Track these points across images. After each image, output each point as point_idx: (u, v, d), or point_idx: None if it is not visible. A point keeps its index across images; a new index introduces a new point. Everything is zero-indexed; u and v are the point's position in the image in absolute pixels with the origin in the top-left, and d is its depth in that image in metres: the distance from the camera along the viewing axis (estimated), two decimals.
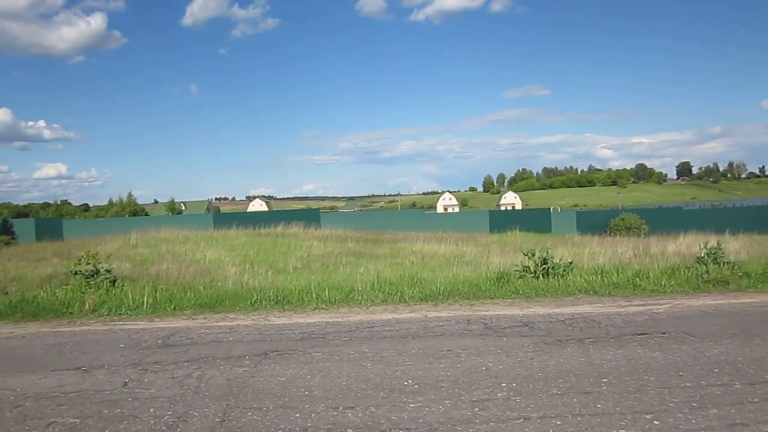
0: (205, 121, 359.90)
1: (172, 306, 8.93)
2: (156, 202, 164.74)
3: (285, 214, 36.26)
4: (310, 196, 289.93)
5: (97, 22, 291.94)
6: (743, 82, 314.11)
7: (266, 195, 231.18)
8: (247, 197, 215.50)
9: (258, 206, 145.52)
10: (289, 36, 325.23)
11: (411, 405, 4.48)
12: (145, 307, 8.86)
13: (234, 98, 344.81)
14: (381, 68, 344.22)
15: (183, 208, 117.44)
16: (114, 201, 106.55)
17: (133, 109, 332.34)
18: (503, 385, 4.89)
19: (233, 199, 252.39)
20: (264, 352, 6.16)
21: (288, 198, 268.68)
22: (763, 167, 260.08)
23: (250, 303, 9.02)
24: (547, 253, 10.70)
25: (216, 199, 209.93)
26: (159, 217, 51.49)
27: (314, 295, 9.27)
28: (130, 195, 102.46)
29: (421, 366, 5.52)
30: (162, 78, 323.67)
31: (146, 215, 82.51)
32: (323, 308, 8.74)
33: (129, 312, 8.69)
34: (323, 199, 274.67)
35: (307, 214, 40.23)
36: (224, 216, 42.19)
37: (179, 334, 7.18)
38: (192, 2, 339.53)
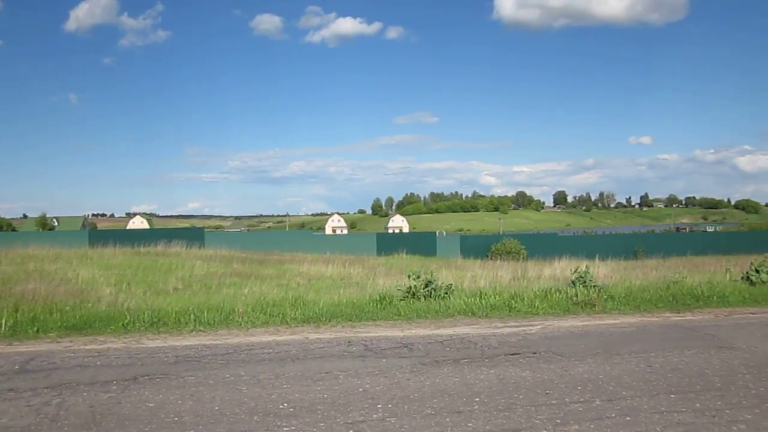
0: (84, 133, 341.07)
1: (35, 328, 8.30)
2: (25, 216, 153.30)
3: (167, 233, 34.88)
4: (195, 214, 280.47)
5: None
6: (614, 120, 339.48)
7: (148, 212, 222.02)
8: (127, 214, 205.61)
9: (139, 224, 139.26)
10: (181, 50, 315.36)
11: (285, 429, 4.40)
12: (3, 329, 8.17)
13: (117, 110, 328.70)
14: (273, 87, 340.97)
15: (55, 224, 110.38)
16: None
17: (3, 117, 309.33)
18: (379, 406, 4.92)
19: (112, 215, 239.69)
20: (133, 377, 5.86)
21: (171, 216, 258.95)
22: (630, 198, 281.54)
23: (123, 325, 8.56)
24: (431, 275, 10.94)
25: (93, 215, 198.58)
26: (27, 233, 48.16)
27: (192, 316, 8.93)
28: None
29: (298, 389, 5.44)
30: (38, 85, 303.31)
31: (13, 230, 76.86)
32: (201, 330, 8.44)
33: None
34: (209, 218, 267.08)
35: (191, 232, 38.92)
36: (101, 233, 40.05)
37: (40, 359, 6.68)
38: (77, 7, 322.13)
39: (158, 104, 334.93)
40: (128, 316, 8.80)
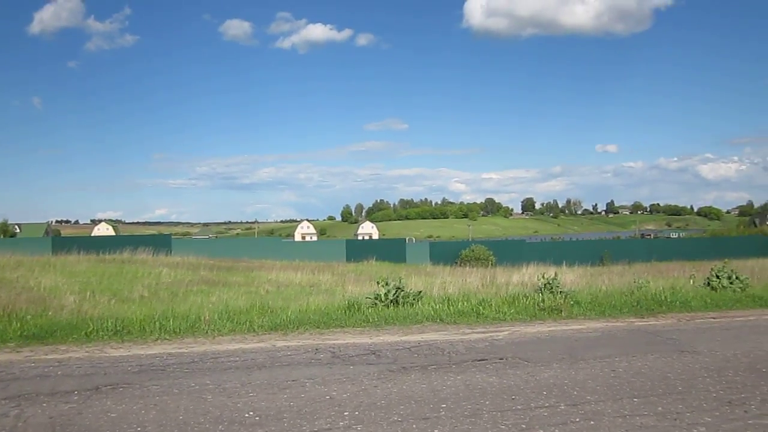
0: (48, 138, 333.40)
1: None
2: None
3: (133, 239, 34.45)
4: (162, 221, 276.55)
5: None
6: (581, 128, 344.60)
7: (114, 219, 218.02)
8: (92, 221, 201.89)
9: (104, 230, 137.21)
10: (148, 54, 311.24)
11: None
12: None
13: (83, 114, 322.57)
14: (243, 93, 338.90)
15: (17, 230, 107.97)
16: None
17: None
18: (346, 413, 4.90)
19: (76, 222, 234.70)
20: (95, 387, 5.74)
21: (138, 222, 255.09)
22: (596, 205, 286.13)
23: (86, 334, 8.37)
24: (399, 282, 10.96)
25: (57, 221, 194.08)
26: None
27: (157, 324, 8.80)
28: None
29: (265, 397, 5.40)
30: (0, 88, 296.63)
31: None
32: (166, 339, 8.31)
33: None
34: (176, 224, 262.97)
35: (158, 239, 38.39)
36: (65, 240, 39.19)
37: None
38: (41, 9, 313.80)
39: (125, 109, 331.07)
40: (91, 325, 8.62)
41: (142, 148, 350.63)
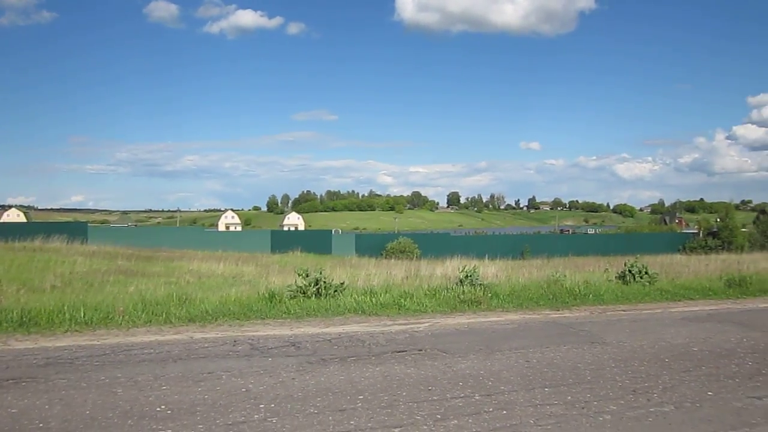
0: None
1: None
2: None
3: (46, 227, 32.95)
4: (78, 208, 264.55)
5: None
6: (506, 125, 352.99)
7: (25, 204, 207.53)
8: (1, 206, 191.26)
9: (14, 217, 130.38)
10: (66, 32, 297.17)
11: None
12: None
13: None
14: (168, 77, 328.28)
15: None
16: None
17: None
18: (261, 406, 4.84)
19: None
20: None
21: (52, 209, 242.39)
22: (518, 200, 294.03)
23: None
24: (320, 273, 10.91)
25: None
26: None
27: (68, 316, 8.43)
28: None
29: (178, 390, 5.26)
30: None
31: None
32: (77, 331, 7.98)
33: None
34: (93, 212, 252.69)
35: (73, 227, 36.88)
36: None
37: None
38: None
39: (40, 89, 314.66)
40: None
41: (57, 130, 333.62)
